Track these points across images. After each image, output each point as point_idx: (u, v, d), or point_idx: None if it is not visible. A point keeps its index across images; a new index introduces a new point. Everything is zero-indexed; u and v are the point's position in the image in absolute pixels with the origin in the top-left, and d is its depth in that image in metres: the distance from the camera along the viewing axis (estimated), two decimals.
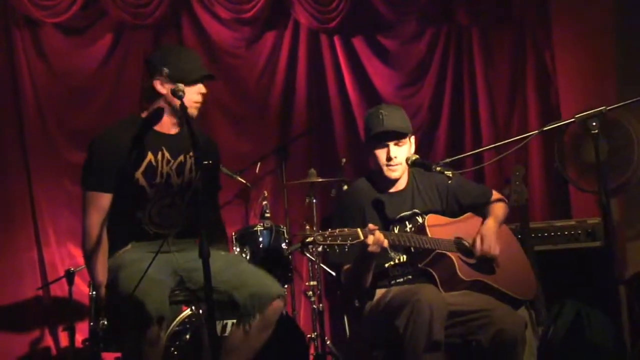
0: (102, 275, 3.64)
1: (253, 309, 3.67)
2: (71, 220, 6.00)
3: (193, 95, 3.70)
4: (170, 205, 3.78)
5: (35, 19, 6.12)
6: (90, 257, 3.66)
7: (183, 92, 3.59)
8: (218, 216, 4.12)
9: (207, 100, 6.29)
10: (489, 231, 3.85)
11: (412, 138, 3.91)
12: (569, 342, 4.42)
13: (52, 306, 6.00)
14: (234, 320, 3.82)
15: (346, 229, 3.45)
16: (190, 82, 3.68)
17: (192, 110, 3.70)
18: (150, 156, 3.70)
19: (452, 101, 6.68)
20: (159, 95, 3.72)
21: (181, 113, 3.60)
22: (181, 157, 3.77)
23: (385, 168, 3.84)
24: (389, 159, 3.81)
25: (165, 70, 3.68)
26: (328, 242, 3.42)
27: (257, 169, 6.00)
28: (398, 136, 3.81)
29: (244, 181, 5.77)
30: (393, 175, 3.85)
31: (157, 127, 3.75)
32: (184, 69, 3.70)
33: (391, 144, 3.81)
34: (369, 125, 3.86)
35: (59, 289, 5.91)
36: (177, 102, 3.58)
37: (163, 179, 3.73)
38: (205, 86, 3.80)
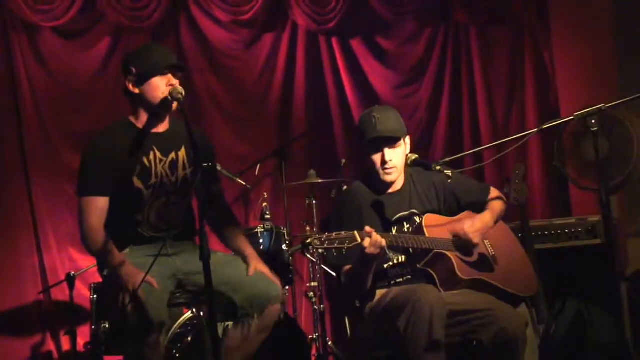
0: (118, 256, 3.59)
1: (252, 311, 3.68)
2: (72, 224, 6.00)
3: (161, 85, 3.67)
4: (167, 205, 3.78)
5: (32, 23, 6.12)
6: (101, 250, 3.60)
7: (182, 94, 3.61)
8: (224, 204, 4.08)
9: (206, 102, 6.42)
10: (483, 220, 3.85)
11: (407, 138, 3.90)
12: (570, 340, 4.42)
13: (54, 310, 5.99)
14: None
15: (343, 232, 3.43)
16: (154, 74, 3.66)
17: (156, 97, 3.67)
18: (142, 158, 3.70)
19: (450, 100, 6.68)
20: (133, 95, 3.72)
21: (157, 109, 3.67)
22: (172, 155, 3.77)
23: (381, 172, 3.83)
24: (384, 162, 3.80)
25: (134, 69, 3.69)
26: (325, 246, 3.41)
27: (257, 170, 6.00)
28: (392, 140, 3.80)
29: (243, 183, 5.76)
30: (389, 178, 3.85)
31: (143, 128, 3.75)
32: (148, 62, 3.70)
33: (386, 148, 3.80)
34: (362, 129, 3.85)
35: (60, 293, 5.91)
36: (153, 100, 3.64)
37: (158, 178, 3.73)
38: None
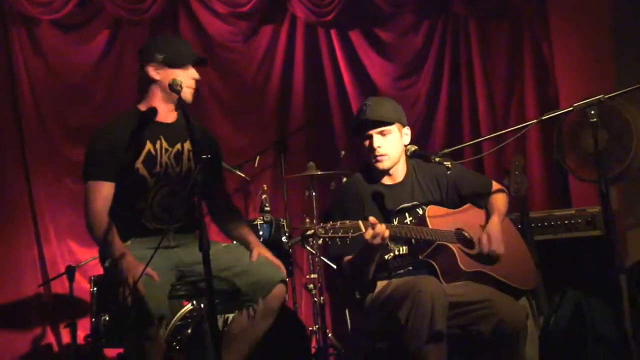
0: (120, 247, 3.58)
1: (255, 296, 3.69)
2: (71, 216, 6.02)
3: (186, 79, 3.71)
4: (170, 195, 3.78)
5: (31, 16, 6.14)
6: (104, 238, 3.58)
7: (180, 86, 3.62)
8: (228, 200, 4.11)
9: (204, 95, 6.42)
10: (494, 229, 3.81)
11: (406, 129, 3.87)
12: (570, 331, 4.42)
13: (53, 303, 6.02)
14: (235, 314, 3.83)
15: (347, 222, 3.43)
16: (182, 65, 3.72)
17: (187, 96, 3.73)
18: (149, 145, 3.72)
19: (449, 92, 6.66)
20: (153, 81, 3.74)
21: (177, 102, 3.70)
22: (178, 146, 3.79)
23: (372, 159, 3.82)
24: (372, 149, 3.79)
25: (159, 56, 3.72)
26: (330, 234, 3.41)
27: (256, 163, 6.00)
28: (379, 124, 3.77)
29: (243, 175, 5.77)
30: (380, 166, 3.83)
31: (153, 116, 3.76)
32: (177, 53, 3.75)
33: (374, 134, 3.78)
34: (354, 118, 3.87)
35: (59, 286, 5.92)
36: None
37: (162, 168, 3.74)
38: (200, 73, 3.82)
